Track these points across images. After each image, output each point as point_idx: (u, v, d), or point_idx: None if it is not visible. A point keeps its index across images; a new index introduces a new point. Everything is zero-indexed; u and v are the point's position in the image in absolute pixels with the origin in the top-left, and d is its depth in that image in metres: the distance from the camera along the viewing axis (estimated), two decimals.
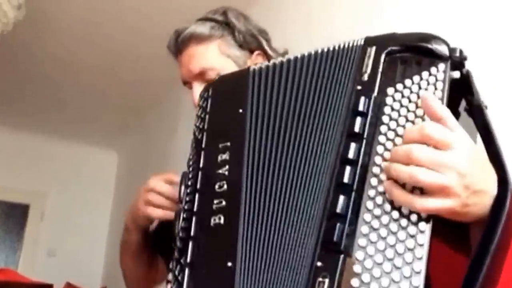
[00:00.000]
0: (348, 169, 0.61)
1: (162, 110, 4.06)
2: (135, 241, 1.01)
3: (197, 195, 0.71)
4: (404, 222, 0.57)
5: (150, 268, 1.08)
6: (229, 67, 1.04)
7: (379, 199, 0.59)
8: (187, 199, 0.74)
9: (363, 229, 0.58)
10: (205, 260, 0.66)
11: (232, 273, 0.62)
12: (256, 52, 1.09)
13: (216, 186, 0.70)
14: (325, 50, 0.75)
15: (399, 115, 0.63)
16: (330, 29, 1.96)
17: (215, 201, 0.68)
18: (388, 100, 0.65)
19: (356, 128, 0.63)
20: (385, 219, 0.58)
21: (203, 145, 0.76)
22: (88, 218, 4.84)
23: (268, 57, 1.09)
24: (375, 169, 0.61)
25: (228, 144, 0.73)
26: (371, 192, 0.60)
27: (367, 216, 0.58)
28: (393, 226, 0.57)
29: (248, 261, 0.63)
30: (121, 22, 3.05)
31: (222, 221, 0.66)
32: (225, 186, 0.69)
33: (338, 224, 0.58)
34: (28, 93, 4.11)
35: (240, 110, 0.75)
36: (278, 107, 0.73)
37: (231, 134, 0.74)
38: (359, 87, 0.67)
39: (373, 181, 0.60)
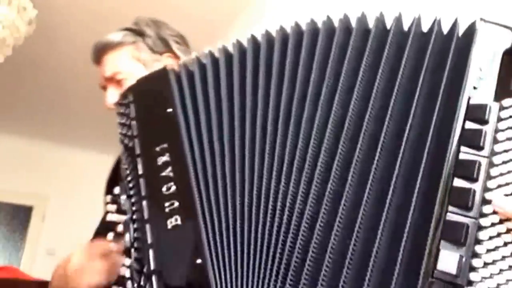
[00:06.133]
0: (471, 189, 0.52)
1: None
2: None
3: (144, 202, 0.68)
4: None
5: None
6: (138, 70, 1.09)
7: (492, 231, 0.52)
8: (134, 208, 0.70)
9: (475, 262, 0.51)
10: (171, 263, 0.63)
11: (204, 269, 0.60)
12: (166, 54, 1.14)
13: (164, 189, 0.67)
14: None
15: None
16: None
17: (167, 204, 0.66)
18: (503, 113, 0.55)
19: (480, 141, 0.54)
20: (497, 254, 0.51)
21: (138, 152, 0.72)
22: (86, 220, 4.90)
23: (178, 59, 1.12)
24: (487, 195, 0.53)
25: (165, 145, 0.70)
26: (484, 221, 0.52)
27: (479, 248, 0.52)
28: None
29: (217, 254, 0.61)
30: None
31: (179, 221, 0.64)
32: (173, 187, 0.67)
33: (460, 255, 0.51)
34: (34, 102, 4.24)
35: (169, 110, 0.73)
36: (224, 100, 0.71)
37: (166, 135, 0.71)
38: (475, 86, 0.56)
39: (486, 208, 0.52)
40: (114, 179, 0.81)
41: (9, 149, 4.93)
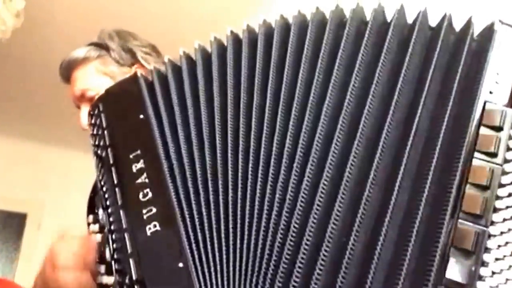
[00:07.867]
0: (482, 196, 0.53)
1: None
2: None
3: (121, 212, 0.67)
4: None
5: None
6: (107, 84, 1.04)
7: (500, 239, 0.52)
8: (111, 219, 0.70)
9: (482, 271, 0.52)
10: (153, 271, 0.62)
11: (187, 272, 0.59)
12: (135, 66, 1.13)
13: (140, 196, 0.66)
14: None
15: None
16: None
17: (144, 211, 0.65)
18: None
19: (491, 146, 0.54)
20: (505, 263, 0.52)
21: (111, 161, 0.72)
22: (85, 227, 4.85)
23: (147, 69, 1.11)
24: (498, 203, 0.53)
25: (139, 152, 0.69)
26: (493, 229, 0.53)
27: (487, 257, 0.52)
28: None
29: (200, 257, 0.60)
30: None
31: (158, 227, 0.63)
32: (150, 194, 0.66)
33: (469, 263, 0.51)
34: (25, 101, 4.12)
35: (141, 116, 0.73)
36: (202, 102, 0.70)
37: (139, 141, 0.71)
38: (490, 90, 0.57)
39: (495, 217, 0.53)
40: (95, 197, 0.80)
41: (0, 153, 4.81)
